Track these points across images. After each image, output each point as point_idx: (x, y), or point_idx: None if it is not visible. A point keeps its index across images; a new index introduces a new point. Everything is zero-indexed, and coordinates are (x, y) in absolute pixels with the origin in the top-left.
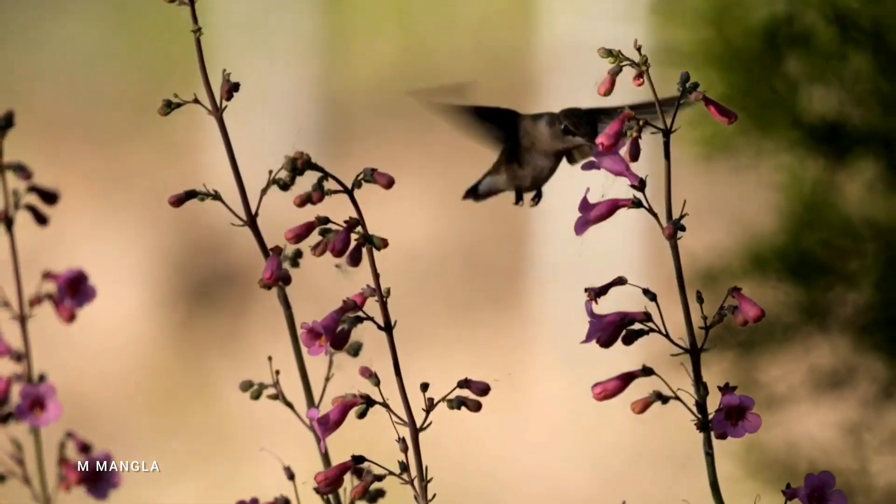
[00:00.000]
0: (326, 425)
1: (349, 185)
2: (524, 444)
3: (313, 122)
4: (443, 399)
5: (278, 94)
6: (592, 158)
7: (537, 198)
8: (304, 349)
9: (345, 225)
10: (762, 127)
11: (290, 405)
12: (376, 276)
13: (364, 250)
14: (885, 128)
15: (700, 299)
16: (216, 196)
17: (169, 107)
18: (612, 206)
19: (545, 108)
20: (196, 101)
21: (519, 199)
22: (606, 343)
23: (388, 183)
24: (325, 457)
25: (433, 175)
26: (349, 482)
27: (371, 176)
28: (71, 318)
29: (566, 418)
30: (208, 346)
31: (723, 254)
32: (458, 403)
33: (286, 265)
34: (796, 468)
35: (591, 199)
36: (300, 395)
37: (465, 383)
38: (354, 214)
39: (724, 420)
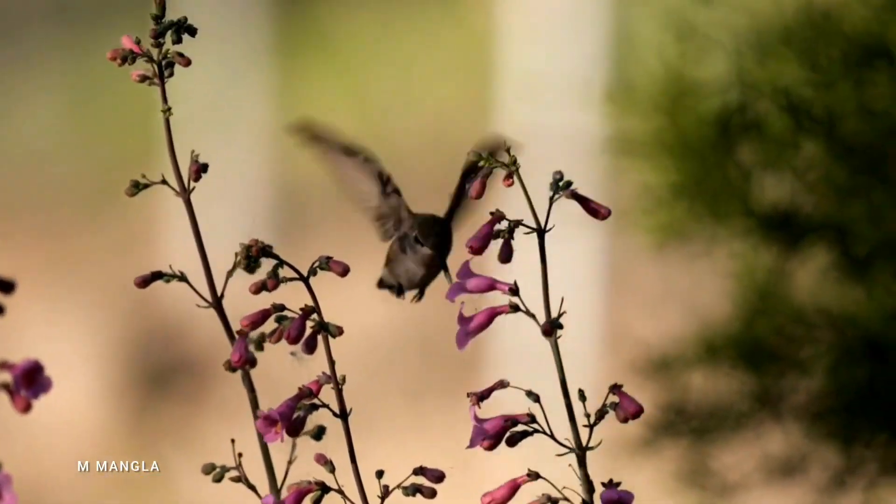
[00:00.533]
0: None
1: (305, 273)
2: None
3: (269, 207)
4: (398, 486)
5: (235, 178)
6: (457, 281)
7: (418, 296)
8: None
9: (300, 312)
10: (716, 214)
11: (252, 488)
12: (332, 363)
13: (319, 337)
14: (838, 215)
15: (582, 397)
16: (182, 277)
17: (136, 187)
18: (490, 315)
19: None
20: (164, 181)
21: (399, 293)
22: (490, 447)
23: (344, 271)
24: None
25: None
26: None
27: (326, 264)
28: (27, 409)
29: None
30: (163, 434)
31: (676, 341)
32: (413, 491)
33: (252, 348)
34: None
35: (466, 312)
36: (262, 478)
37: (420, 471)
38: (310, 301)
39: None
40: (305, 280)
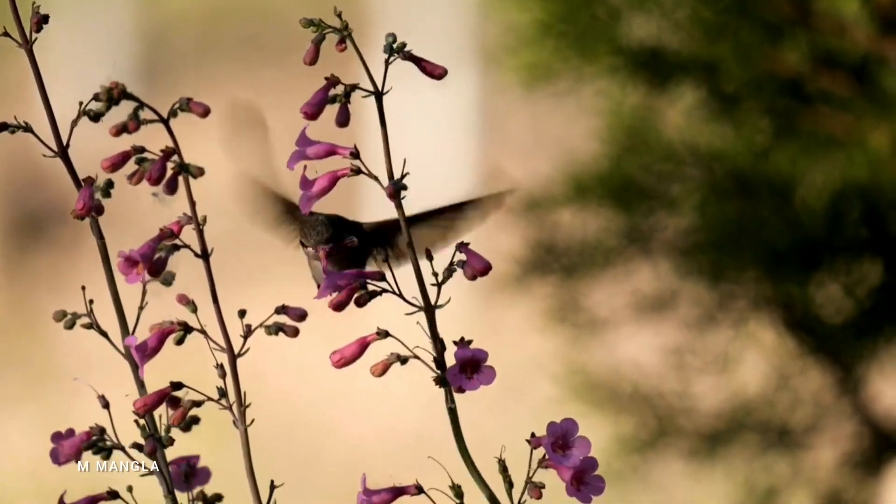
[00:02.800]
0: (144, 352)
1: (165, 115)
2: (357, 380)
3: (131, 55)
4: (260, 325)
5: (97, 28)
6: (296, 148)
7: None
8: (118, 279)
9: (161, 154)
10: (582, 53)
11: (104, 334)
12: (192, 204)
13: (181, 179)
14: (706, 54)
15: (429, 256)
16: (27, 128)
17: None
18: (332, 179)
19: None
20: (6, 33)
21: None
22: (339, 307)
23: (204, 112)
24: (142, 385)
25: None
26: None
27: (187, 105)
28: None
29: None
30: (37, 281)
31: (545, 182)
32: (275, 329)
33: (98, 196)
34: (619, 390)
35: (310, 176)
36: (116, 325)
37: (282, 309)
38: (171, 144)
39: (458, 374)
40: (165, 122)
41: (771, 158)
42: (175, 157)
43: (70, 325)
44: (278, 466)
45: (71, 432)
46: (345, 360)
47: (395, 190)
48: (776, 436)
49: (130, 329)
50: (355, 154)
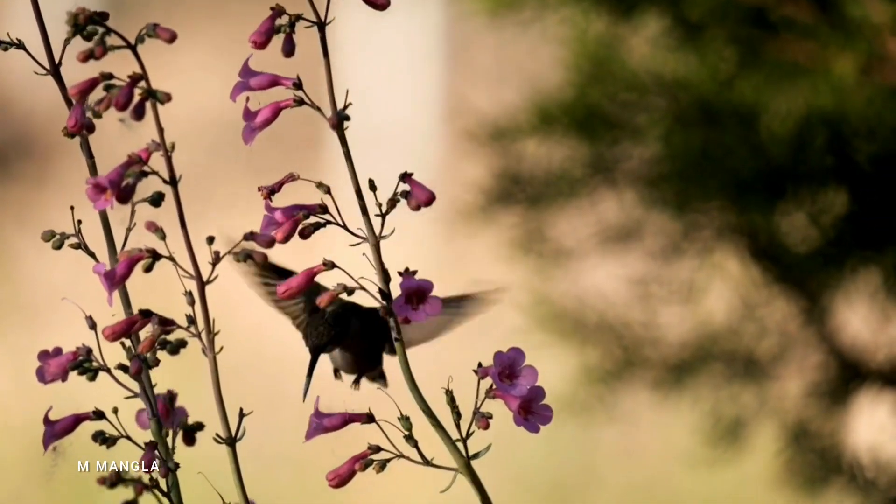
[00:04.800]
0: (112, 279)
1: (132, 41)
2: None
3: None
4: (229, 252)
5: None
6: (239, 80)
7: (355, 383)
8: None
9: (128, 80)
10: None
11: (92, 254)
12: (160, 130)
13: (148, 105)
14: None
15: (373, 187)
16: (19, 45)
17: None
18: (275, 109)
19: None
20: None
21: (336, 375)
22: (284, 238)
23: (171, 37)
24: (128, 307)
25: (222, 38)
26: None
27: (153, 31)
28: None
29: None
30: (4, 214)
31: (511, 111)
32: (244, 256)
33: (89, 114)
34: (585, 320)
35: (252, 107)
36: (102, 246)
37: (250, 236)
38: (139, 71)
39: (404, 304)
40: (133, 47)
41: (736, 87)
42: (142, 84)
43: (58, 245)
44: (245, 396)
45: (58, 351)
46: (291, 291)
47: (339, 120)
48: (742, 366)
49: (118, 250)
50: (298, 85)
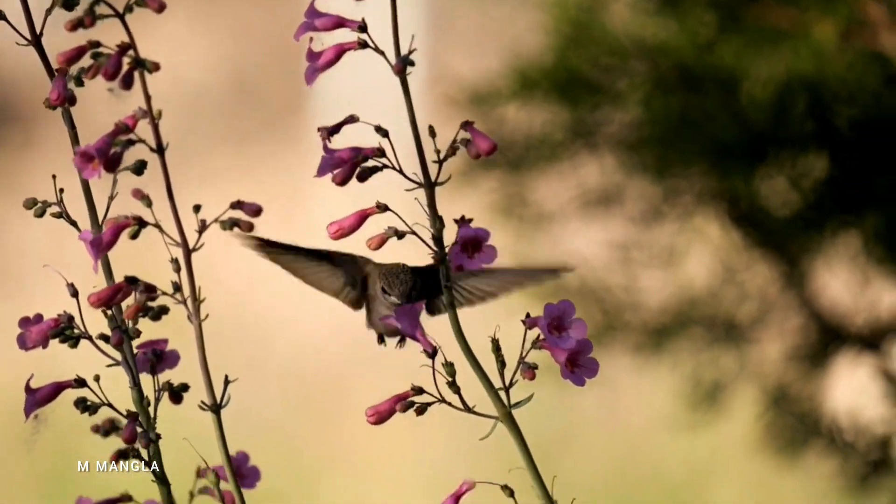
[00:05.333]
0: (98, 247)
1: (121, 10)
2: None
3: None
4: (215, 220)
5: None
6: (304, 20)
7: (401, 342)
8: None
9: (117, 48)
10: None
11: (73, 223)
12: (148, 98)
13: (136, 74)
14: None
15: (432, 133)
16: (1, 16)
17: None
18: (339, 51)
19: None
20: None
21: (381, 340)
22: (342, 181)
23: (160, 7)
24: (110, 275)
25: (201, 4)
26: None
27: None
28: None
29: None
30: None
31: (491, 76)
32: (230, 224)
33: (72, 86)
34: (566, 284)
35: (316, 48)
36: (85, 215)
37: (237, 205)
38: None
39: (460, 252)
40: (121, 16)
41: (716, 52)
42: (131, 52)
43: (40, 213)
44: (230, 362)
45: (39, 318)
46: (343, 230)
47: (403, 65)
48: (722, 330)
49: (99, 219)
50: (363, 27)
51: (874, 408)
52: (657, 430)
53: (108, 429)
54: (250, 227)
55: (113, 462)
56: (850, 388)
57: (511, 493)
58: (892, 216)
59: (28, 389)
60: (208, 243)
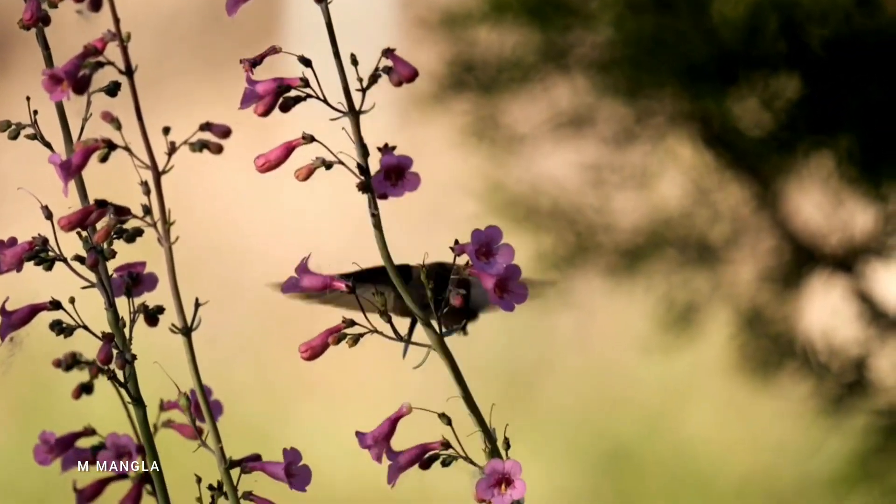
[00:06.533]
0: (68, 169)
1: None
2: (280, 203)
3: None
4: (185, 142)
5: None
6: None
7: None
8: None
9: None
10: None
11: (48, 145)
12: (116, 20)
13: None
14: None
15: (354, 61)
16: None
17: None
18: None
19: None
20: None
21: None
22: (265, 112)
23: None
24: (85, 198)
25: None
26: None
27: None
28: None
29: (323, 177)
30: None
31: None
32: (199, 146)
33: (45, 6)
34: (539, 206)
35: None
36: (59, 136)
37: (206, 126)
38: None
39: (383, 180)
40: None
41: None
42: None
43: (14, 136)
44: (203, 289)
45: (13, 241)
46: (269, 163)
47: None
48: (695, 251)
49: (74, 141)
50: None
51: (848, 329)
52: (632, 353)
53: (69, 363)
54: (219, 148)
55: (76, 396)
56: (824, 310)
57: (448, 422)
58: (865, 136)
59: (3, 312)
60: (183, 168)
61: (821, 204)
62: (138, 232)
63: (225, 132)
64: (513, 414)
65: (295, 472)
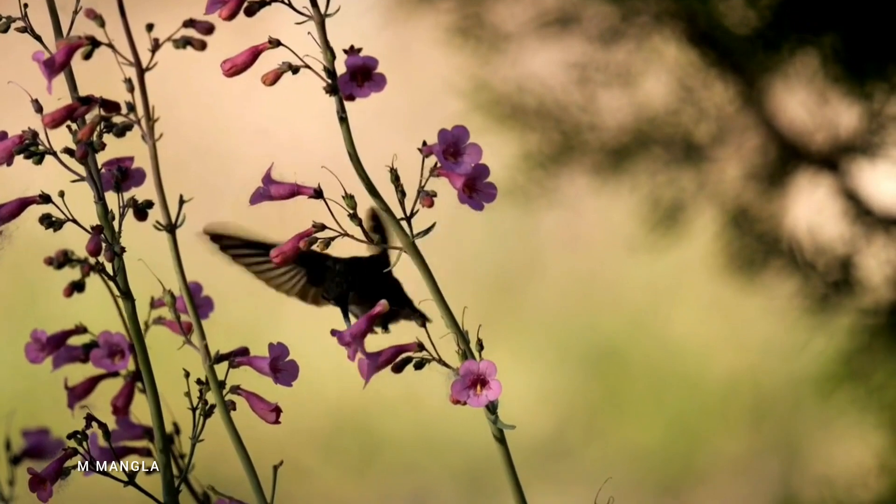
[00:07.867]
0: (52, 66)
1: None
2: (262, 105)
3: None
4: (168, 39)
5: None
6: None
7: (384, 328)
8: None
9: None
10: None
11: (38, 38)
12: None
13: None
14: None
15: None
16: None
17: None
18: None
19: None
20: None
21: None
22: (230, 16)
23: None
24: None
25: None
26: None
27: None
28: None
29: (305, 79)
30: None
31: None
32: (183, 43)
33: None
34: (525, 105)
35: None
36: (48, 30)
37: (189, 23)
38: None
39: (349, 81)
40: None
41: None
42: None
43: (5, 29)
44: (188, 188)
45: (3, 135)
46: (236, 67)
47: None
48: (680, 149)
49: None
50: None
51: (833, 227)
52: (618, 252)
53: (61, 261)
54: (203, 45)
55: (67, 294)
56: (810, 208)
57: (423, 323)
58: (850, 35)
59: None
60: (168, 68)
61: (806, 102)
62: (128, 126)
63: (208, 28)
64: (499, 315)
65: (281, 366)
